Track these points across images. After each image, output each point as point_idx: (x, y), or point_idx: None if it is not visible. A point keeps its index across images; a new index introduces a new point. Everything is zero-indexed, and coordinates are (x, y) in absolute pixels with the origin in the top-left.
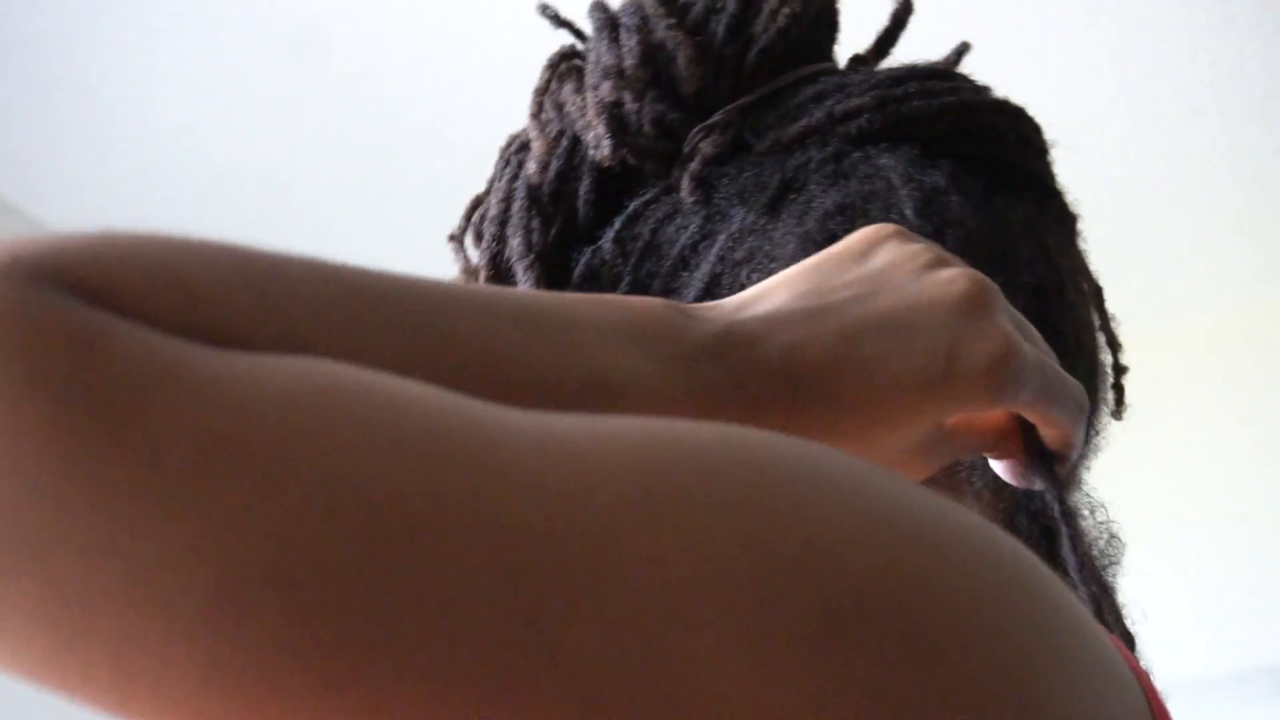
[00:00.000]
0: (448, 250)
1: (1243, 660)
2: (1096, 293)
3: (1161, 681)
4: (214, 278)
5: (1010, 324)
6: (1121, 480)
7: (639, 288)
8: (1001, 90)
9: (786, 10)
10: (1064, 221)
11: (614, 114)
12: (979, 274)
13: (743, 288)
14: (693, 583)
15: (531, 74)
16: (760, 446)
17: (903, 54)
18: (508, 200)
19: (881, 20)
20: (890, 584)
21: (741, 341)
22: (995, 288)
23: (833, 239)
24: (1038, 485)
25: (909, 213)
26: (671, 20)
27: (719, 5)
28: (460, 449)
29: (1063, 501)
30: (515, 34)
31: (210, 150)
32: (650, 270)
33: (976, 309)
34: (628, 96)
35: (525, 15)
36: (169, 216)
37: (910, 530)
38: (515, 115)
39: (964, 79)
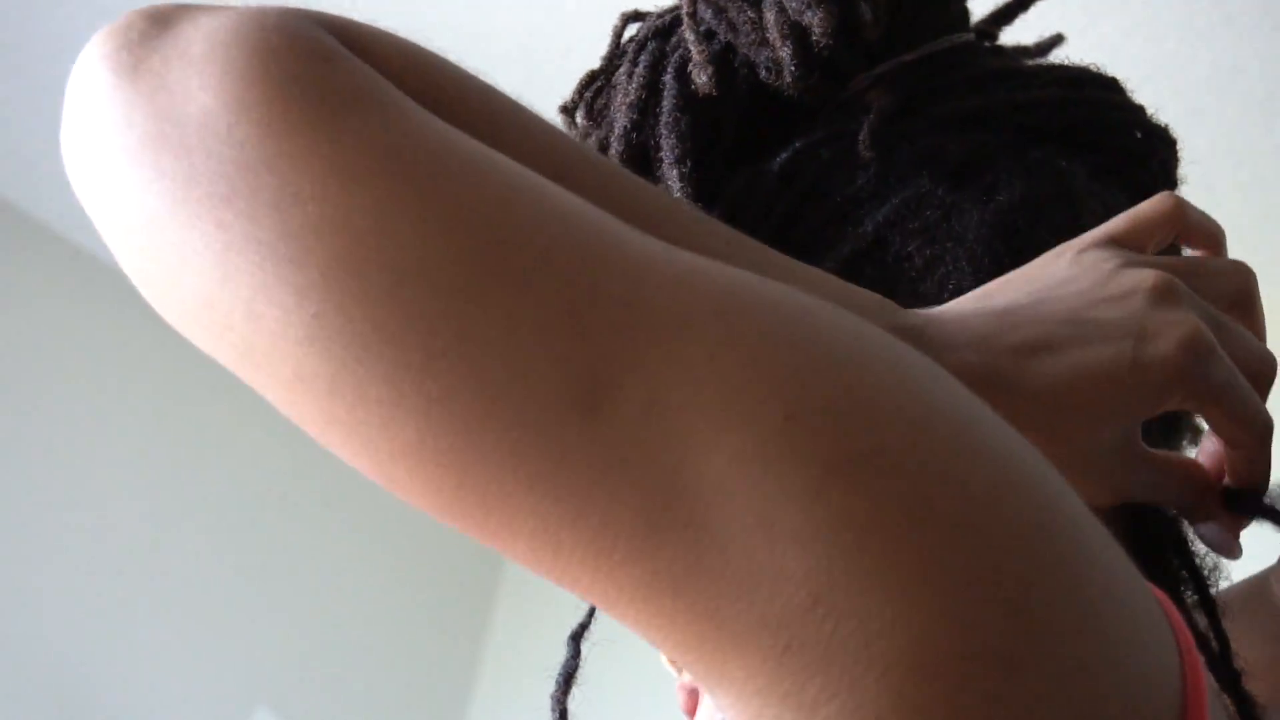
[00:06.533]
0: None
1: None
2: None
3: None
4: (450, 80)
5: (1200, 314)
6: None
7: (787, 224)
8: None
9: None
10: None
11: (802, 44)
12: (1167, 268)
13: (908, 258)
14: (734, 391)
15: (531, 74)
16: (840, 317)
17: None
18: (652, 92)
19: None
20: (915, 446)
21: (936, 337)
22: (1181, 283)
23: (1013, 232)
24: (1234, 550)
25: (1088, 224)
26: None
27: None
28: (590, 234)
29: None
30: (515, 34)
31: None
32: (805, 212)
33: (1165, 297)
34: (817, 29)
35: (525, 15)
36: None
37: (949, 414)
38: None
39: (1126, 94)
